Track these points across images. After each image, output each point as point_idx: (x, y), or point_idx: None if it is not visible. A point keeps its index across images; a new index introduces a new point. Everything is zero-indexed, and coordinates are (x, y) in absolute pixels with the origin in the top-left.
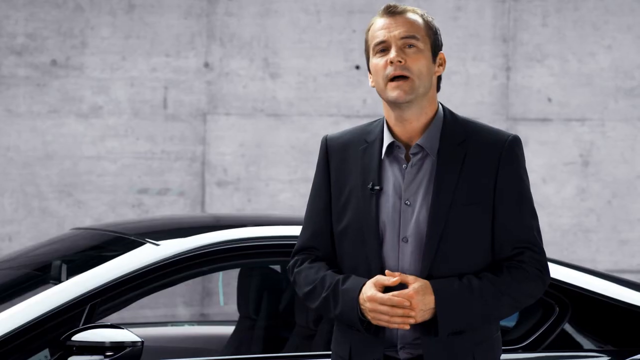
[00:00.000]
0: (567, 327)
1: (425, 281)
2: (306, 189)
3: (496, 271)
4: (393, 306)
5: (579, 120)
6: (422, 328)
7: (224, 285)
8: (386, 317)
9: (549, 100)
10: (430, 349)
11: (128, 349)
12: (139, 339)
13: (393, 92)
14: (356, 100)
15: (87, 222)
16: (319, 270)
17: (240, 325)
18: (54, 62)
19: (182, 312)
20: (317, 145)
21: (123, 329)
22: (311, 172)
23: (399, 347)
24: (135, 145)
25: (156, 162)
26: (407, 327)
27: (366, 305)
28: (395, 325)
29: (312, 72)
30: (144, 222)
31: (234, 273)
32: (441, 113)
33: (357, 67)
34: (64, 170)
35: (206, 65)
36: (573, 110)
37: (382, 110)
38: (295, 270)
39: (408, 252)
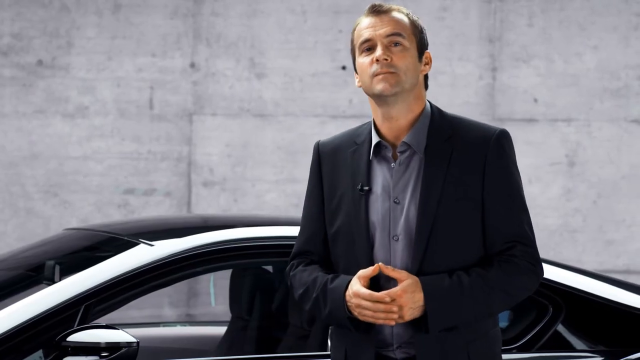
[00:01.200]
0: (560, 328)
1: (416, 278)
2: (292, 189)
3: (487, 266)
4: (375, 302)
5: (565, 121)
6: (413, 326)
7: (215, 286)
8: (370, 313)
9: (535, 100)
10: (423, 346)
11: (123, 350)
12: (134, 340)
13: (379, 84)
14: (342, 101)
15: (73, 222)
16: (312, 272)
17: (232, 325)
18: (39, 62)
19: (175, 312)
20: (303, 146)
21: (118, 329)
22: (297, 172)
23: (395, 346)
24: (122, 146)
25: (142, 162)
26: (392, 323)
27: (352, 301)
28: (381, 321)
29: (298, 73)
30: (136, 223)
31: (225, 273)
32: (428, 111)
33: (344, 68)
34: (50, 170)
35: (192, 65)
36: (559, 110)
37: (368, 110)
38: (291, 274)
39: (399, 250)
